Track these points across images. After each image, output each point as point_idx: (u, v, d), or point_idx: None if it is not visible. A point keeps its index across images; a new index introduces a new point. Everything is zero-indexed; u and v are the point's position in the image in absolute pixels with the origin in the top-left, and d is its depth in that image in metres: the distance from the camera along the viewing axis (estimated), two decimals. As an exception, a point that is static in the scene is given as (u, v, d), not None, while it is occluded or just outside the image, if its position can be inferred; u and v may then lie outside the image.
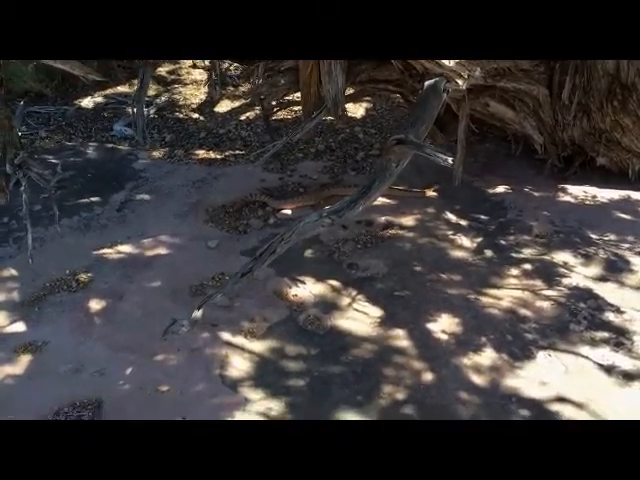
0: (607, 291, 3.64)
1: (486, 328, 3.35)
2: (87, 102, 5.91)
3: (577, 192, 4.69)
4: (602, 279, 3.75)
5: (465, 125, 4.58)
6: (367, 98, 5.99)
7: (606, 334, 3.33)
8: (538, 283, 3.70)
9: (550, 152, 4.96)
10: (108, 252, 4.01)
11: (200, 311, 2.85)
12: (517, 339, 3.28)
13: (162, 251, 4.03)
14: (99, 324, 3.44)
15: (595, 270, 3.83)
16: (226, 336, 3.34)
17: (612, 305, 3.53)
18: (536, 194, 4.66)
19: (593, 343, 3.27)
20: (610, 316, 3.45)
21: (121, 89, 6.12)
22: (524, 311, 3.48)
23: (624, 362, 3.15)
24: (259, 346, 3.28)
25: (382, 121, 5.64)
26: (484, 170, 4.97)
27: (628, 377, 3.07)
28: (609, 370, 3.11)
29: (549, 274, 3.78)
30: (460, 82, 3.88)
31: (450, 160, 3.15)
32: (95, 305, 3.57)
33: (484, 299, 3.56)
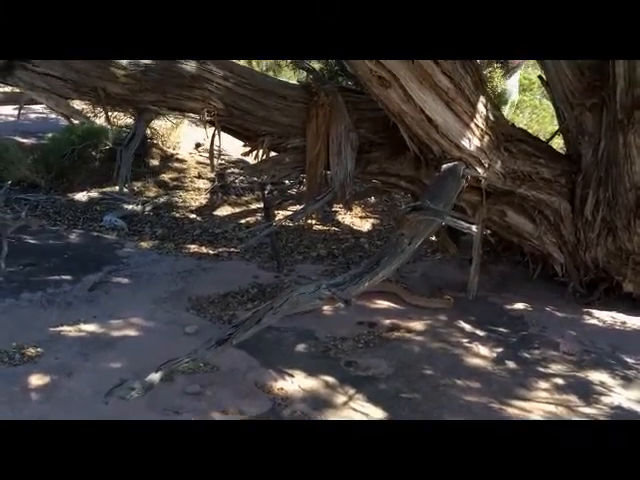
0: (656, 416, 3.02)
1: (515, 442, 2.68)
2: (81, 196, 5.65)
3: (604, 317, 4.20)
4: (649, 403, 3.15)
5: (481, 232, 4.23)
6: (375, 215, 5.76)
7: (664, 462, 2.66)
8: (573, 399, 3.10)
9: (571, 275, 4.54)
10: (67, 329, 3.45)
11: (158, 374, 2.26)
12: (554, 457, 2.61)
13: (131, 333, 3.47)
14: (35, 400, 2.79)
15: (638, 394, 3.23)
16: (190, 426, 2.67)
17: (665, 431, 2.89)
18: (559, 314, 4.17)
19: (650, 471, 2.58)
20: (665, 442, 2.80)
21: (126, 186, 5.88)
22: (560, 427, 2.83)
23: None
24: (229, 441, 2.60)
25: (389, 235, 5.30)
26: (499, 288, 4.53)
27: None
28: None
29: (585, 391, 3.18)
30: (480, 170, 3.61)
31: (474, 228, 2.74)
32: (36, 380, 2.94)
33: (510, 410, 2.94)
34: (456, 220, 2.80)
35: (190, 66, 3.34)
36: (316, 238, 5.14)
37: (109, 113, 5.29)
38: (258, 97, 3.51)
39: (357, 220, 5.64)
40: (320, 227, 5.45)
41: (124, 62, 3.17)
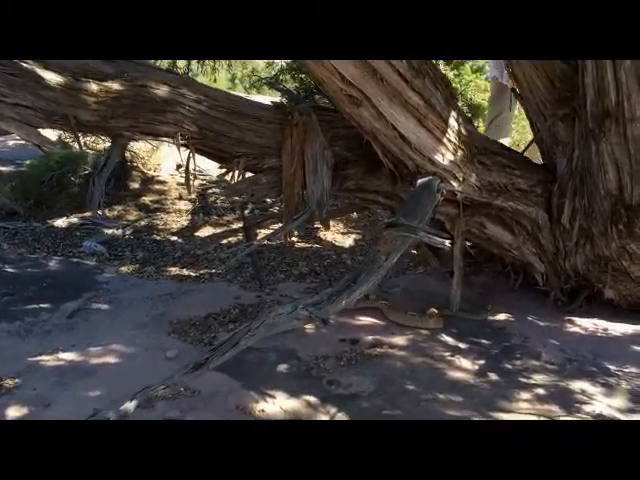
0: (638, 422, 3.03)
1: (497, 455, 2.68)
2: (61, 222, 5.62)
3: (586, 324, 4.23)
4: (629, 410, 3.15)
5: (461, 245, 4.26)
6: (357, 230, 5.78)
7: (646, 468, 2.66)
8: (555, 409, 3.10)
9: (552, 283, 4.57)
10: (46, 359, 3.41)
11: (133, 403, 2.24)
12: (537, 469, 2.61)
13: (111, 360, 3.43)
14: (12, 433, 2.74)
15: (619, 401, 3.24)
16: (170, 453, 2.64)
17: (646, 437, 2.90)
18: (541, 323, 4.19)
19: (632, 478, 2.59)
20: (646, 449, 2.81)
21: (99, 212, 5.86)
22: (542, 438, 2.83)
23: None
24: (210, 466, 2.57)
25: (371, 251, 5.31)
26: (482, 299, 4.54)
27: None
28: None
29: (567, 400, 3.19)
30: (455, 184, 3.63)
31: (448, 243, 2.76)
32: (14, 412, 2.90)
33: (492, 423, 2.93)
34: (430, 236, 2.82)
35: (162, 90, 3.36)
36: (298, 256, 5.15)
37: (86, 138, 5.32)
38: (232, 119, 3.52)
39: (339, 236, 5.66)
40: (302, 244, 5.46)
41: (95, 89, 3.18)
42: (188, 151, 3.63)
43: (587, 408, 3.13)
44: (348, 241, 5.58)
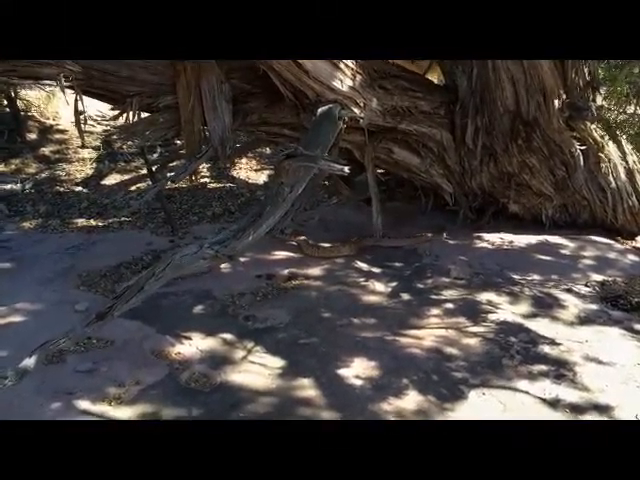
0: (539, 325, 3.23)
1: (407, 369, 2.80)
2: (-47, 182, 5.24)
3: (493, 239, 4.41)
4: (532, 315, 3.36)
5: (373, 172, 4.29)
6: (270, 166, 5.70)
7: (544, 367, 2.86)
8: (462, 321, 3.25)
9: (461, 203, 4.71)
10: (-55, 328, 3.24)
11: (32, 359, 2.17)
12: (444, 379, 2.75)
13: (16, 319, 3.30)
14: None
15: (523, 307, 3.44)
16: (84, 405, 2.60)
17: (546, 338, 3.11)
18: (451, 242, 4.33)
19: (531, 377, 2.78)
20: (545, 349, 3.01)
21: (-2, 168, 5.52)
22: (450, 349, 2.97)
23: (569, 394, 2.66)
24: (126, 412, 2.55)
25: (274, 184, 5.26)
26: (395, 224, 4.62)
27: (577, 410, 2.57)
28: (553, 404, 2.60)
29: (473, 312, 3.35)
30: (357, 110, 3.60)
31: (346, 169, 2.75)
32: None
33: (403, 340, 3.05)
34: (330, 163, 2.80)
35: (38, 29, 3.10)
36: (211, 197, 5.05)
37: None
38: (118, 56, 3.32)
39: (252, 173, 5.58)
40: (215, 185, 5.35)
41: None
42: (75, 94, 3.42)
43: (492, 317, 3.29)
44: (262, 177, 5.52)
